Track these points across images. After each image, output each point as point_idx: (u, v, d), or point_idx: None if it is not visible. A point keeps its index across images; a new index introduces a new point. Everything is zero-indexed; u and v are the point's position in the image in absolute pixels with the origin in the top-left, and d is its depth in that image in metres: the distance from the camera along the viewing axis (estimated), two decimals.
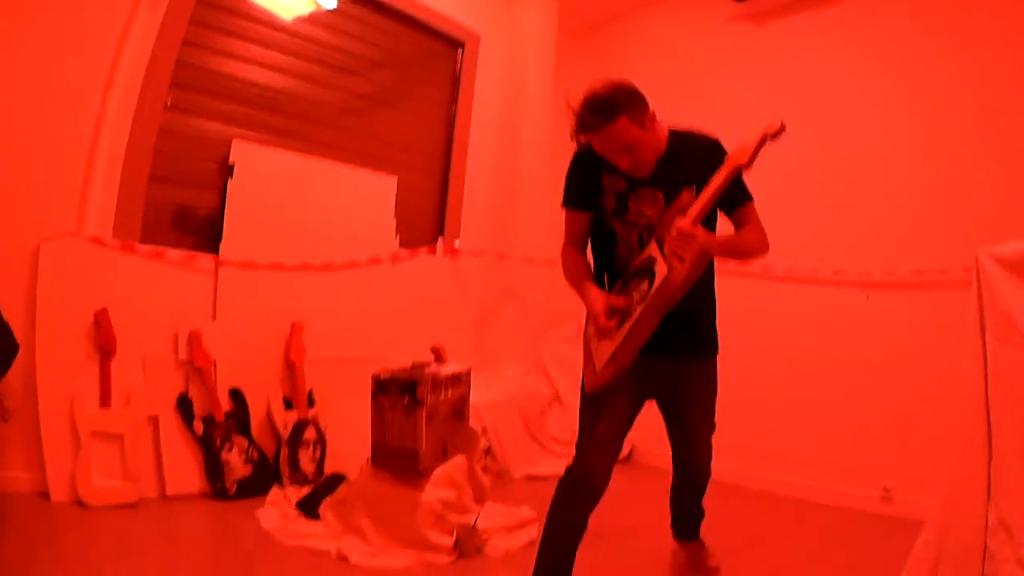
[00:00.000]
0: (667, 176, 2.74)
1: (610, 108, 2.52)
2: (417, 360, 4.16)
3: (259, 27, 4.89)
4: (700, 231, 2.51)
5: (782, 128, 2.54)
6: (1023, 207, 4.18)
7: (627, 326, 2.58)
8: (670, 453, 3.19)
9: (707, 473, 3.23)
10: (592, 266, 3.01)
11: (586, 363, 2.81)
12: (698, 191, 2.60)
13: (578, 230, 2.95)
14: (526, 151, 6.43)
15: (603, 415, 2.74)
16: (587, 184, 2.83)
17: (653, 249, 2.64)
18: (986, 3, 4.60)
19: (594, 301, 2.69)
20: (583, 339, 2.88)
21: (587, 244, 2.99)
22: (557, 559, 2.80)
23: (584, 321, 2.86)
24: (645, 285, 2.59)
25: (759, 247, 2.79)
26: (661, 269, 2.54)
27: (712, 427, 3.14)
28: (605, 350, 2.65)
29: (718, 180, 2.53)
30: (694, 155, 2.78)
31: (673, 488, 3.36)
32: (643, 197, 2.75)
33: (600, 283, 2.92)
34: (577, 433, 2.83)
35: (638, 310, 2.57)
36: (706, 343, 2.96)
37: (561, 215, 2.99)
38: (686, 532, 3.50)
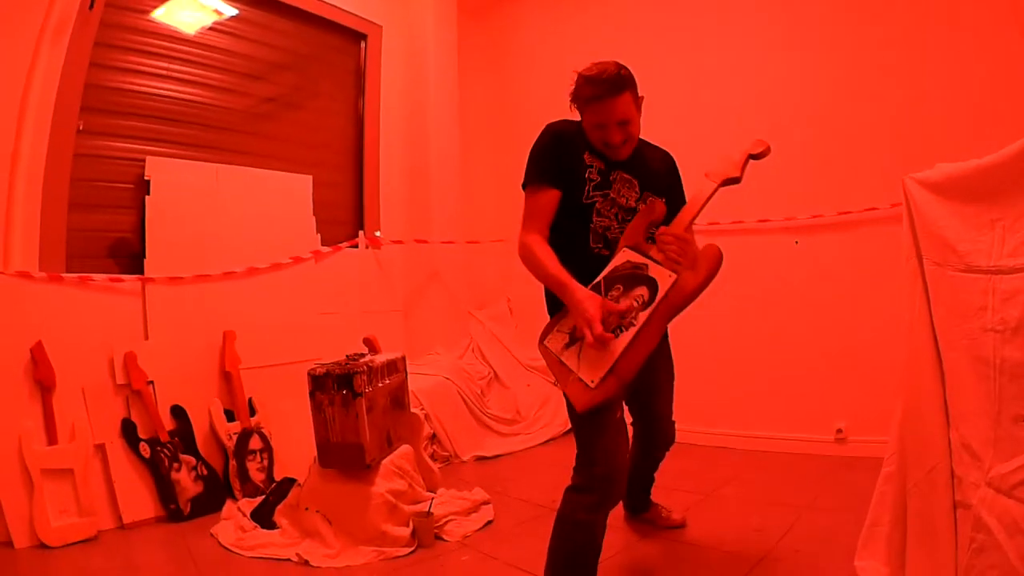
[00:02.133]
0: (640, 167, 2.84)
1: (620, 80, 2.59)
2: (351, 353, 4.16)
3: (164, 42, 4.85)
4: (694, 238, 2.63)
5: (767, 151, 2.79)
6: (942, 139, 4.23)
7: (627, 335, 2.43)
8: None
9: (671, 442, 3.38)
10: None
11: (565, 377, 2.52)
12: (657, 184, 2.85)
13: (547, 211, 2.74)
14: (434, 134, 6.46)
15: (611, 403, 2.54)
16: (567, 159, 2.76)
17: (631, 255, 2.60)
18: None
19: (587, 305, 2.38)
20: (546, 347, 2.63)
21: (549, 223, 2.75)
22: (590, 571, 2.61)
23: (546, 328, 2.66)
24: (642, 291, 2.51)
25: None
26: (663, 275, 2.51)
27: (672, 398, 3.27)
28: (597, 362, 2.44)
29: (707, 190, 2.69)
30: (655, 159, 2.97)
31: (632, 464, 3.25)
32: (622, 180, 2.79)
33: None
34: (583, 432, 2.59)
35: (641, 318, 2.45)
36: None
37: (510, 198, 2.96)
38: (642, 504, 3.65)
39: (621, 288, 2.55)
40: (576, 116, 2.81)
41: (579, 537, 2.55)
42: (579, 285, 2.49)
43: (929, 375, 2.41)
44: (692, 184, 2.86)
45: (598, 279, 2.61)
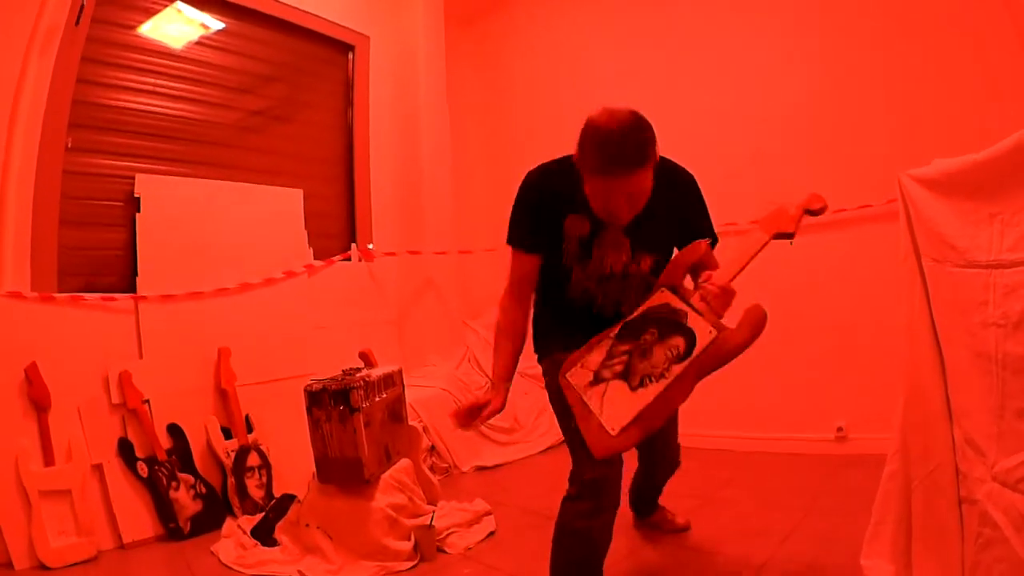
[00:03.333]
0: (637, 225, 2.51)
1: (639, 152, 2.19)
2: (347, 367, 4.14)
3: (151, 57, 4.84)
4: (735, 289, 2.43)
5: (824, 208, 2.64)
6: (936, 135, 4.23)
7: (658, 386, 2.34)
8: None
9: (675, 467, 3.31)
10: (539, 299, 2.81)
11: (587, 419, 2.39)
12: (649, 246, 2.59)
13: (526, 273, 2.66)
14: (425, 145, 6.46)
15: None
16: (545, 225, 2.56)
17: (671, 298, 2.47)
18: None
19: (492, 389, 2.65)
20: (568, 382, 2.48)
21: (533, 287, 2.72)
22: None
23: (569, 361, 2.52)
24: (679, 342, 2.39)
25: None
26: (703, 329, 2.38)
27: (676, 423, 3.19)
28: (622, 408, 2.34)
29: (759, 243, 2.51)
30: (666, 191, 2.52)
31: (636, 481, 3.37)
32: (608, 243, 2.55)
33: (549, 315, 2.80)
34: (572, 441, 2.51)
35: (675, 371, 2.34)
36: None
37: (502, 207, 2.72)
38: (648, 511, 3.61)
39: (656, 333, 2.43)
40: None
41: (577, 547, 2.51)
42: (501, 373, 2.69)
43: (930, 372, 2.40)
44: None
45: (631, 317, 2.51)
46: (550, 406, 2.75)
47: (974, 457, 2.17)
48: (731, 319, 2.45)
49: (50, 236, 4.17)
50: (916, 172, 2.49)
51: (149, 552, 3.92)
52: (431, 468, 4.86)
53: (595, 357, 2.46)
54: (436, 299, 6.44)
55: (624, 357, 2.41)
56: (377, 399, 3.92)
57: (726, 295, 2.38)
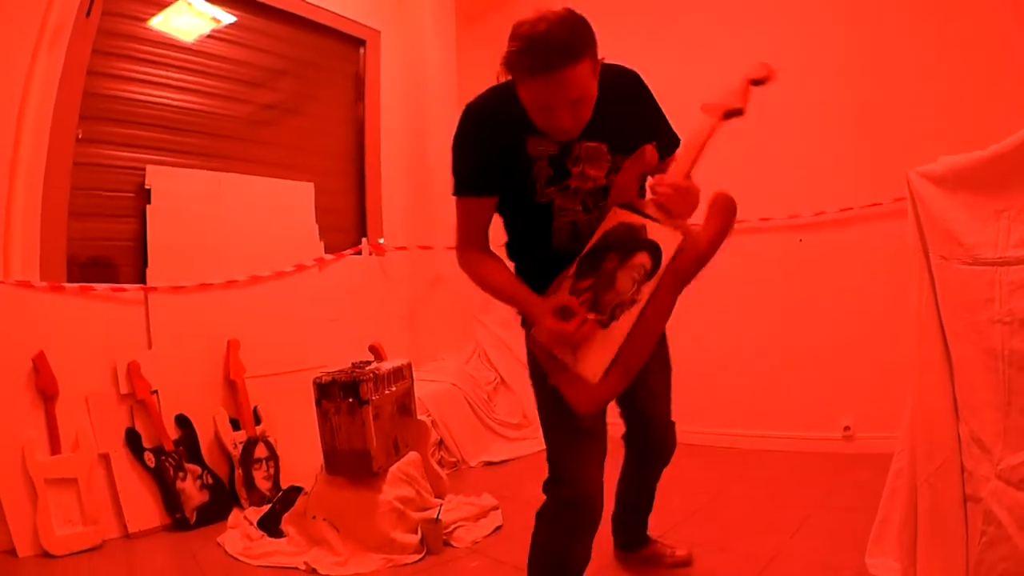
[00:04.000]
0: (603, 123, 2.19)
1: (576, 44, 1.92)
2: (357, 360, 4.15)
3: (162, 50, 4.84)
4: (697, 187, 2.14)
5: (769, 75, 2.35)
6: (943, 132, 4.17)
7: (630, 315, 2.06)
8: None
9: (671, 452, 2.83)
10: (516, 262, 2.48)
11: (560, 374, 2.16)
12: (631, 134, 2.22)
13: (482, 222, 2.35)
14: (436, 139, 6.40)
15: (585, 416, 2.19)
16: (501, 154, 2.21)
17: (625, 215, 2.18)
18: None
19: (538, 313, 2.12)
20: (534, 338, 2.22)
21: (487, 237, 2.37)
22: None
23: (527, 325, 2.28)
24: (643, 259, 2.09)
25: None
26: (667, 236, 2.08)
27: (670, 399, 2.75)
28: (597, 352, 2.07)
29: (707, 128, 2.21)
30: (617, 96, 2.26)
31: (626, 486, 2.98)
32: (586, 156, 2.21)
33: (531, 276, 2.32)
34: (550, 443, 2.36)
35: (645, 291, 2.06)
36: None
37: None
38: (637, 539, 3.17)
39: (616, 260, 2.13)
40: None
41: (549, 566, 2.39)
42: (538, 299, 2.17)
43: (938, 369, 2.39)
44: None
45: (584, 250, 2.20)
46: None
47: (980, 455, 2.16)
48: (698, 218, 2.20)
49: (59, 226, 4.18)
50: (924, 169, 2.47)
51: (154, 542, 3.93)
52: (439, 462, 4.86)
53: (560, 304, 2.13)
54: (446, 293, 6.41)
55: (588, 294, 2.12)
56: (386, 392, 3.94)
57: (684, 193, 2.10)
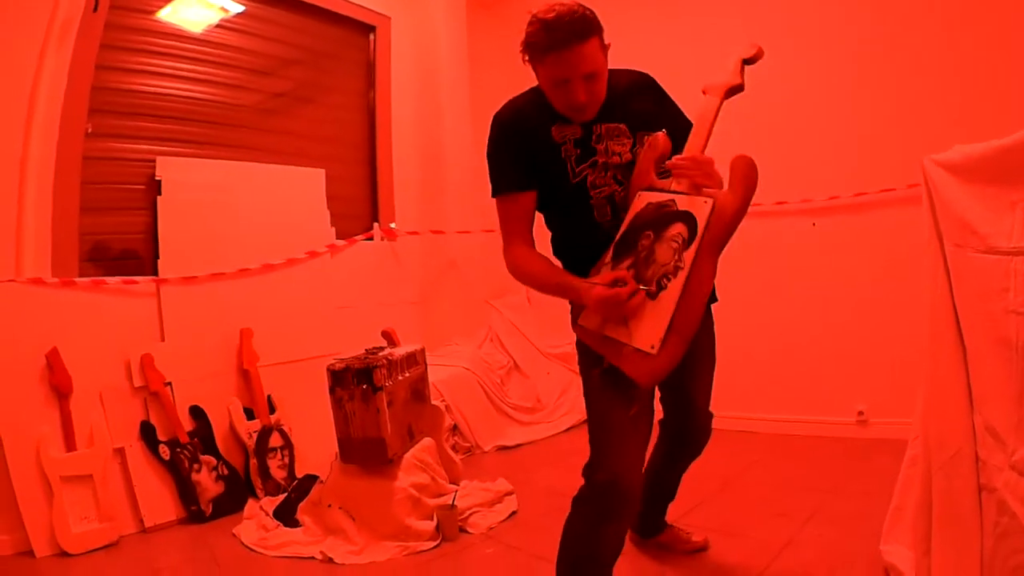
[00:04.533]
0: (621, 107, 2.43)
1: (584, 25, 2.19)
2: (370, 347, 4.15)
3: (170, 41, 4.82)
4: (711, 158, 2.26)
5: (759, 53, 2.50)
6: (958, 119, 4.19)
7: (677, 281, 2.09)
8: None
9: (706, 440, 2.91)
10: (560, 255, 2.60)
11: (618, 352, 2.18)
12: (650, 116, 2.42)
13: (526, 217, 2.46)
14: (447, 125, 6.42)
15: (633, 397, 2.24)
16: (532, 147, 2.41)
17: (651, 196, 2.28)
18: None
19: (587, 289, 2.17)
20: (582, 327, 2.31)
21: (532, 229, 2.48)
22: None
23: (574, 317, 2.38)
24: (680, 229, 2.16)
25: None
26: (697, 204, 2.16)
27: (711, 385, 2.82)
28: (651, 323, 2.10)
29: (713, 106, 2.36)
30: (631, 89, 2.50)
31: (653, 471, 2.94)
32: (607, 135, 2.40)
33: (573, 266, 2.44)
34: (592, 429, 2.35)
35: (687, 257, 2.10)
36: None
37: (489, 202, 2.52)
38: (655, 525, 3.25)
39: (652, 235, 2.21)
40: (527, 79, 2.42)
41: (580, 550, 2.37)
42: (584, 280, 2.24)
43: (952, 358, 2.37)
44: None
45: (619, 234, 2.32)
46: (572, 386, 2.55)
47: (994, 445, 2.15)
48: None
49: (71, 222, 4.18)
50: (939, 157, 2.45)
51: (171, 535, 3.95)
52: (453, 448, 4.88)
53: None
54: (459, 278, 6.42)
55: (630, 272, 2.18)
56: (400, 378, 3.95)
57: (701, 165, 2.22)
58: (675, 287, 2.08)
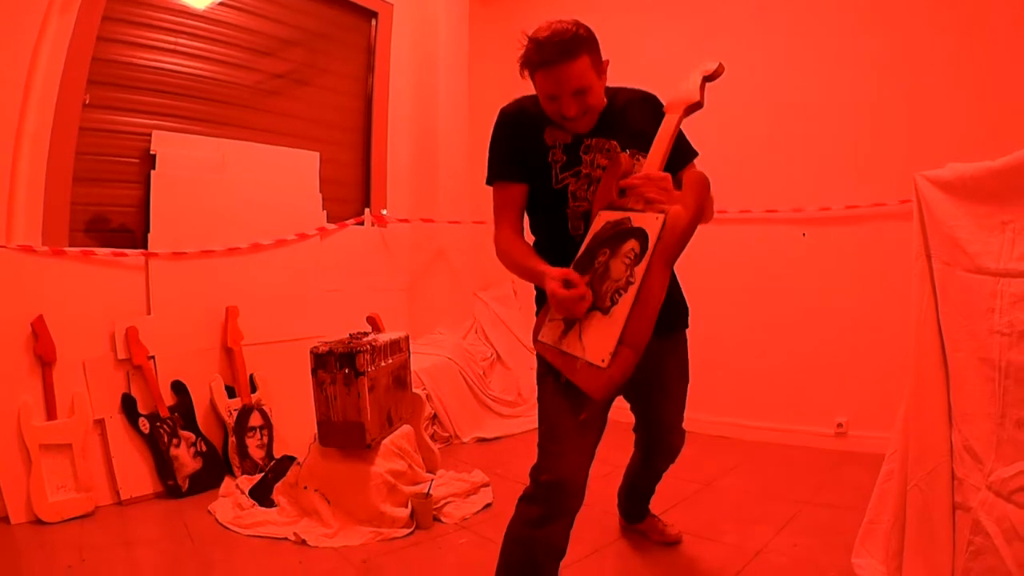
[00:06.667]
0: (617, 125, 2.51)
1: (574, 44, 2.27)
2: (354, 332, 4.16)
3: (173, 16, 4.80)
4: (667, 174, 2.26)
5: (720, 70, 2.49)
6: (951, 137, 4.21)
7: (628, 296, 2.12)
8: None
9: (675, 456, 3.00)
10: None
11: (572, 366, 2.22)
12: (640, 145, 2.44)
13: (515, 206, 2.57)
14: (443, 114, 6.41)
15: (583, 404, 2.26)
16: (525, 145, 2.51)
17: (609, 215, 2.33)
18: None
19: (547, 275, 2.22)
20: (542, 343, 2.38)
21: (522, 218, 2.60)
22: None
23: (535, 332, 2.44)
24: (632, 245, 2.19)
25: (712, 206, 2.51)
26: (650, 220, 2.18)
27: (684, 406, 2.89)
28: (602, 337, 2.14)
29: (672, 124, 2.37)
30: (633, 107, 2.58)
31: (632, 471, 3.20)
32: (596, 147, 2.48)
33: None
34: (542, 432, 2.39)
35: (638, 272, 2.12)
36: (680, 310, 2.70)
37: (484, 190, 2.66)
38: (638, 515, 3.40)
39: (608, 252, 2.26)
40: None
41: (517, 554, 2.38)
42: (551, 267, 2.27)
43: (934, 374, 2.40)
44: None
45: (579, 253, 2.35)
46: None
47: (971, 463, 2.17)
48: None
49: (64, 191, 4.17)
50: (932, 174, 2.47)
51: (146, 509, 3.95)
52: (432, 436, 4.89)
53: None
54: (447, 268, 6.42)
55: (588, 287, 2.22)
56: (383, 364, 3.95)
57: (656, 181, 2.22)
58: (626, 301, 2.12)
